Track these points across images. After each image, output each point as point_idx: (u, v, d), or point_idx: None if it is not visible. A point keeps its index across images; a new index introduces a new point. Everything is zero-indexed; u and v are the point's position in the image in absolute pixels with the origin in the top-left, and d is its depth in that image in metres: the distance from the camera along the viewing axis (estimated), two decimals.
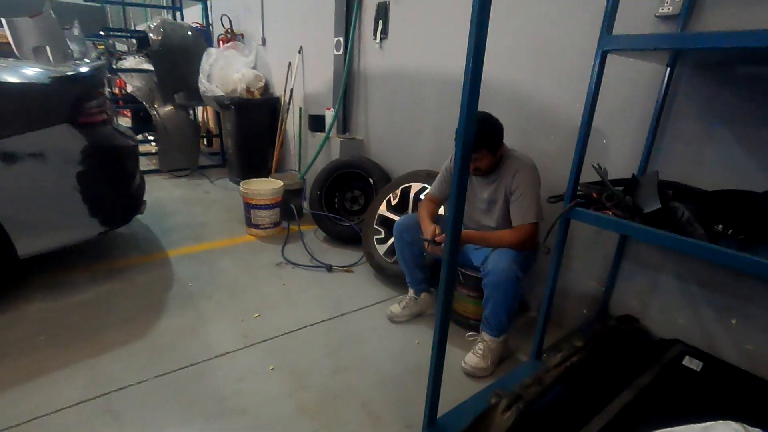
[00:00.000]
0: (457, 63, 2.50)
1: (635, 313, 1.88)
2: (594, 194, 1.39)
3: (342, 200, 3.21)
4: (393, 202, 2.63)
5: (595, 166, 1.37)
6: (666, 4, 1.59)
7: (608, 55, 1.30)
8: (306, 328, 2.04)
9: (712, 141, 1.58)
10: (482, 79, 0.98)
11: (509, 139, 1.85)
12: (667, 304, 1.79)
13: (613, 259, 1.89)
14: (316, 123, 3.59)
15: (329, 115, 3.43)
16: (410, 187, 2.57)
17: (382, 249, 2.55)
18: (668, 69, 1.61)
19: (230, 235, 3.12)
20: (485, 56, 0.96)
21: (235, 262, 2.70)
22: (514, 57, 2.18)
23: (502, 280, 1.62)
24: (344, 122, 3.47)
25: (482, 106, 2.43)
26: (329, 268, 2.64)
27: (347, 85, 3.33)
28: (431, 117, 2.73)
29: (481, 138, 1.70)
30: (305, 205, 3.54)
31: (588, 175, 1.47)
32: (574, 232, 2.00)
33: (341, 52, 3.32)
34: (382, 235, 2.61)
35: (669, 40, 1.21)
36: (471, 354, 1.81)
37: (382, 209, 2.66)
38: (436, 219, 1.95)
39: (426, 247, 1.78)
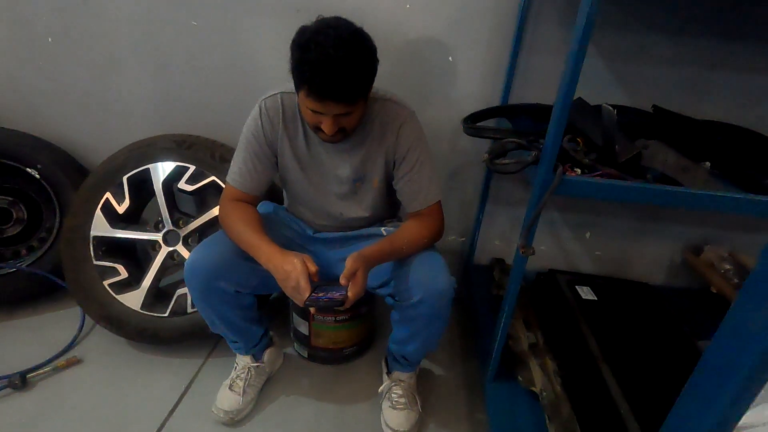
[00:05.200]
0: None
1: (500, 255, 1.71)
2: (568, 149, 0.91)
3: None
4: (120, 208, 1.38)
5: (609, 108, 0.87)
6: None
7: None
8: None
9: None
10: None
11: None
12: None
13: (479, 204, 1.59)
14: None
15: None
16: (148, 171, 1.38)
17: (132, 299, 1.35)
18: None
19: None
20: None
21: None
22: None
23: (444, 306, 1.01)
24: None
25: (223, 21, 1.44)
26: (20, 381, 1.23)
27: None
28: (138, 32, 1.45)
29: (359, 81, 0.88)
30: None
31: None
32: None
33: None
34: (122, 275, 1.37)
35: None
36: (390, 409, 1.19)
37: (99, 224, 1.37)
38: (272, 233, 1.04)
39: (313, 311, 0.90)
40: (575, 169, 0.94)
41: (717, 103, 1.37)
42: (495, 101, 1.43)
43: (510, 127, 1.24)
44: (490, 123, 1.35)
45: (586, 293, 1.49)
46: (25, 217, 1.59)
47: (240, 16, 1.39)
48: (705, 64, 1.34)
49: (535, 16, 1.31)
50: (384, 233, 1.16)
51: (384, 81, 1.35)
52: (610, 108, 0.85)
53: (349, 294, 0.88)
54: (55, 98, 1.55)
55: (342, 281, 0.88)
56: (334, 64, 0.82)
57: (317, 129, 0.97)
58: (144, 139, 1.42)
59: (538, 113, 1.33)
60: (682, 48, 1.33)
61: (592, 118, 0.95)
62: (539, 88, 1.39)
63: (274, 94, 1.05)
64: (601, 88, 1.39)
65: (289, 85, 1.06)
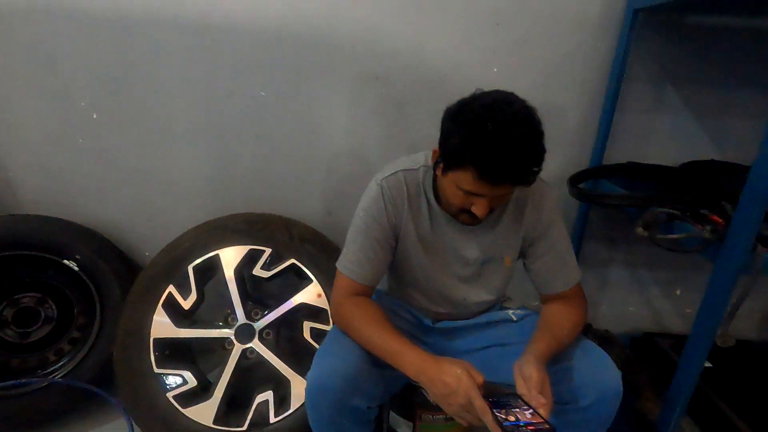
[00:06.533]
0: None
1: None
2: None
3: None
4: (185, 303, 1.19)
5: None
6: None
7: None
8: None
9: (663, 107, 1.33)
10: None
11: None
12: (617, 296, 1.57)
13: None
14: None
15: None
16: (218, 257, 1.21)
17: (203, 412, 1.14)
18: (632, 13, 1.19)
19: None
20: None
21: None
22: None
23: (615, 408, 0.86)
24: None
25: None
26: None
27: None
28: (197, 103, 1.32)
29: (539, 161, 0.77)
30: None
31: None
32: None
33: None
34: (190, 384, 1.16)
35: None
36: None
37: (161, 325, 1.17)
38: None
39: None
40: None
41: None
42: (583, 162, 1.37)
43: (625, 192, 1.16)
44: (582, 185, 1.28)
45: None
46: (55, 315, 1.37)
47: (314, 86, 1.29)
48: None
49: (628, 74, 1.28)
50: (514, 318, 1.03)
51: None
52: None
53: (542, 412, 0.72)
54: (97, 180, 1.37)
55: (536, 399, 0.73)
56: (517, 143, 0.71)
57: (461, 211, 0.85)
58: (209, 221, 1.26)
59: (635, 173, 1.28)
60: None
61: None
62: (631, 147, 1.35)
63: (395, 172, 0.93)
64: (690, 144, 1.36)
65: (405, 162, 0.96)
